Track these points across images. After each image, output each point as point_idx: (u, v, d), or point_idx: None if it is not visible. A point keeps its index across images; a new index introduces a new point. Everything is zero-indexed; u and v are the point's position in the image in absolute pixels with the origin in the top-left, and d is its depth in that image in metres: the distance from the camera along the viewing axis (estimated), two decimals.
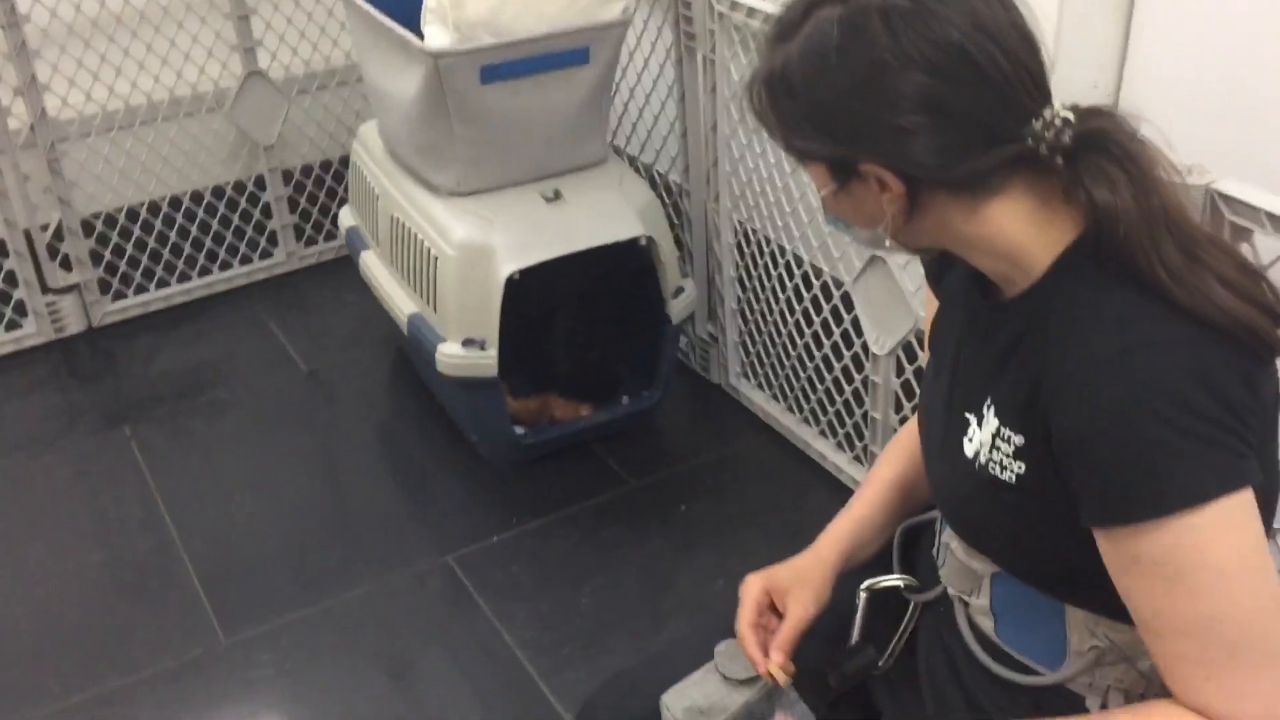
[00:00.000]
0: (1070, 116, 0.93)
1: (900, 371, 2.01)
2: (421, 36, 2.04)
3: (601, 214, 2.14)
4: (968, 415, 1.05)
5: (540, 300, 2.20)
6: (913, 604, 1.24)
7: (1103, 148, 0.93)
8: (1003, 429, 1.00)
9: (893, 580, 1.25)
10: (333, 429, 2.49)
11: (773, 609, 1.21)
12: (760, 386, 2.44)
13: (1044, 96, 0.94)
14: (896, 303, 1.93)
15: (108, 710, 1.87)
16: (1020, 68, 0.92)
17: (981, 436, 1.02)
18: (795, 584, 1.20)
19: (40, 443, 2.46)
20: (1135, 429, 0.89)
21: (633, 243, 2.14)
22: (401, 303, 2.27)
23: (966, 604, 1.14)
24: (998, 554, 1.08)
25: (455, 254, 2.07)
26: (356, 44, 2.30)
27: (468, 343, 2.10)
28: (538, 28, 2.02)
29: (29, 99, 2.57)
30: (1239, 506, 0.92)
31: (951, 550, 1.15)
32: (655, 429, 2.43)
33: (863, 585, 1.24)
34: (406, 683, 1.90)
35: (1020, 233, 0.96)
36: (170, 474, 2.36)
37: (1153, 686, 1.05)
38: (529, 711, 1.84)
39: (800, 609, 1.19)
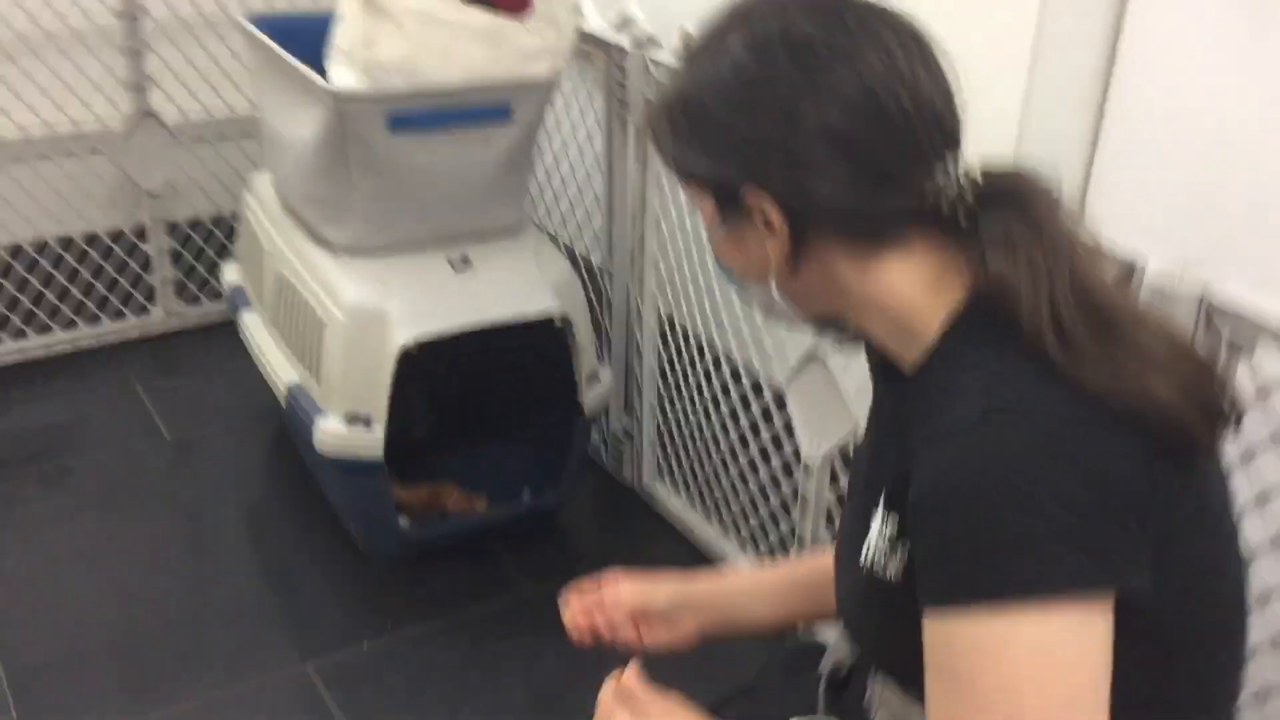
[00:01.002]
0: (978, 177, 0.88)
1: (834, 481, 1.81)
2: (325, 77, 1.83)
3: (513, 286, 1.93)
4: (870, 519, 0.93)
5: (438, 377, 1.97)
6: None
7: (1008, 207, 0.86)
8: (886, 516, 0.89)
9: None
10: (193, 508, 2.21)
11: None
12: (677, 490, 2.22)
13: (951, 151, 0.88)
14: (834, 405, 1.73)
15: None
16: (930, 117, 0.86)
17: (872, 535, 0.91)
18: (643, 579, 1.21)
19: None
20: (968, 498, 0.79)
21: (546, 320, 1.93)
22: (281, 370, 2.02)
23: None
24: (903, 677, 0.95)
25: (345, 318, 1.84)
26: (254, 82, 2.08)
27: (352, 419, 1.85)
28: (457, 77, 1.82)
29: None
30: (1080, 623, 0.78)
31: (885, 697, 1.00)
32: (559, 530, 2.19)
33: None
34: None
35: (911, 293, 0.89)
36: None
37: None
38: None
39: (632, 592, 1.21)
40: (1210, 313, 1.18)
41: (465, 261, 1.93)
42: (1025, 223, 0.85)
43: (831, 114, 0.85)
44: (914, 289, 0.89)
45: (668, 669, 1.22)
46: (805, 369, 1.77)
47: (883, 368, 0.98)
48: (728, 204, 0.91)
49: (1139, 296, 1.19)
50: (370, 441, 1.85)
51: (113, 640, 1.87)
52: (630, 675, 1.05)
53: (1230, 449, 1.18)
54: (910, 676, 0.89)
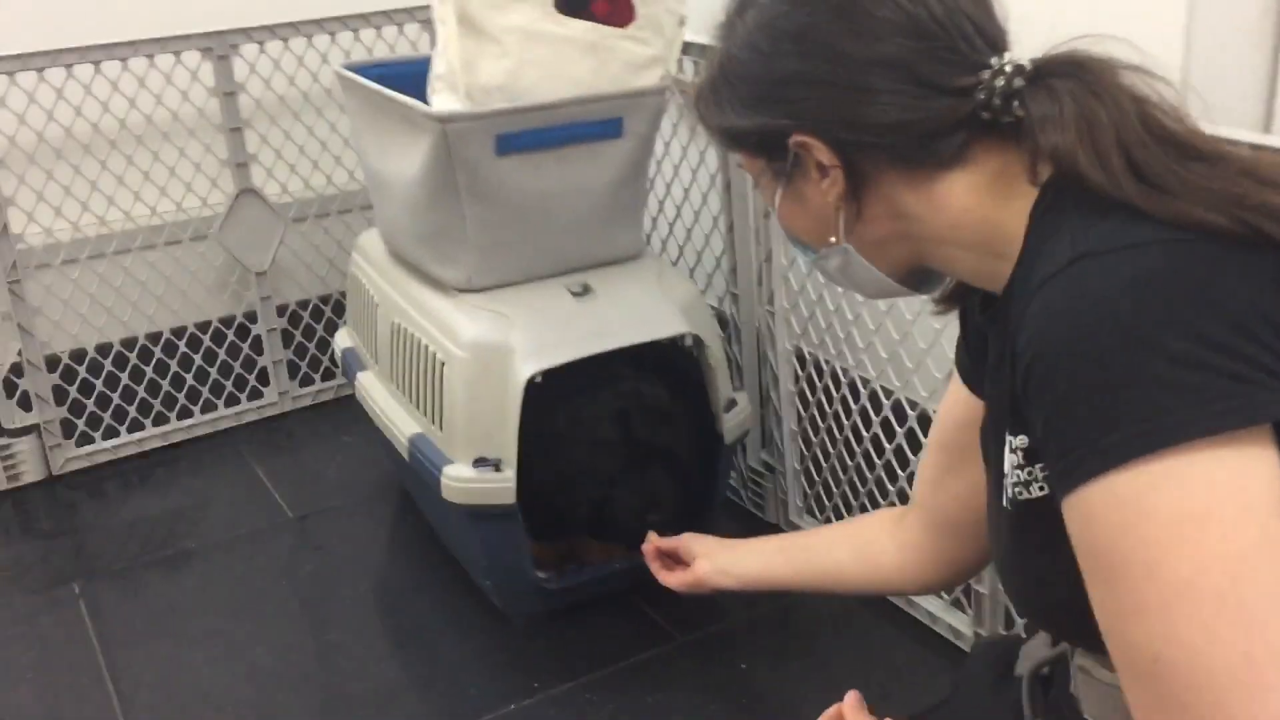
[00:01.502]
0: (1025, 64, 0.83)
1: None
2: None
3: (639, 311, 1.81)
4: (1002, 462, 0.86)
5: (565, 419, 1.85)
6: None
7: (1058, 78, 0.81)
8: (1013, 440, 0.82)
9: None
10: (319, 583, 2.10)
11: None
12: (829, 523, 2.05)
13: (997, 54, 0.84)
14: None
15: None
16: (967, 23, 0.83)
17: (1007, 470, 0.84)
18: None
19: None
20: (1068, 348, 0.70)
21: (676, 343, 1.80)
22: (402, 424, 1.92)
23: None
24: (1082, 633, 0.80)
25: (465, 356, 1.73)
26: (354, 130, 2.03)
27: (479, 463, 1.74)
28: (563, 93, 1.73)
29: None
30: (1231, 470, 0.66)
31: (1090, 673, 0.89)
32: None
33: None
34: None
35: (981, 206, 0.84)
36: (121, 637, 1.96)
37: None
38: None
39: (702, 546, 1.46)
40: None
41: (586, 289, 1.82)
42: (1077, 88, 0.80)
43: (868, 39, 0.83)
44: (984, 200, 0.84)
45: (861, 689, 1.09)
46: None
47: (984, 306, 0.91)
48: (779, 160, 0.89)
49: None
50: (501, 484, 1.73)
51: (249, 717, 1.75)
52: (849, 705, 1.06)
53: None
54: (1085, 623, 0.75)
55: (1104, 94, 0.79)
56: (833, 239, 0.91)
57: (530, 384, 1.71)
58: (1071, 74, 0.81)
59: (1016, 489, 0.82)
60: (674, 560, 1.52)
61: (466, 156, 1.70)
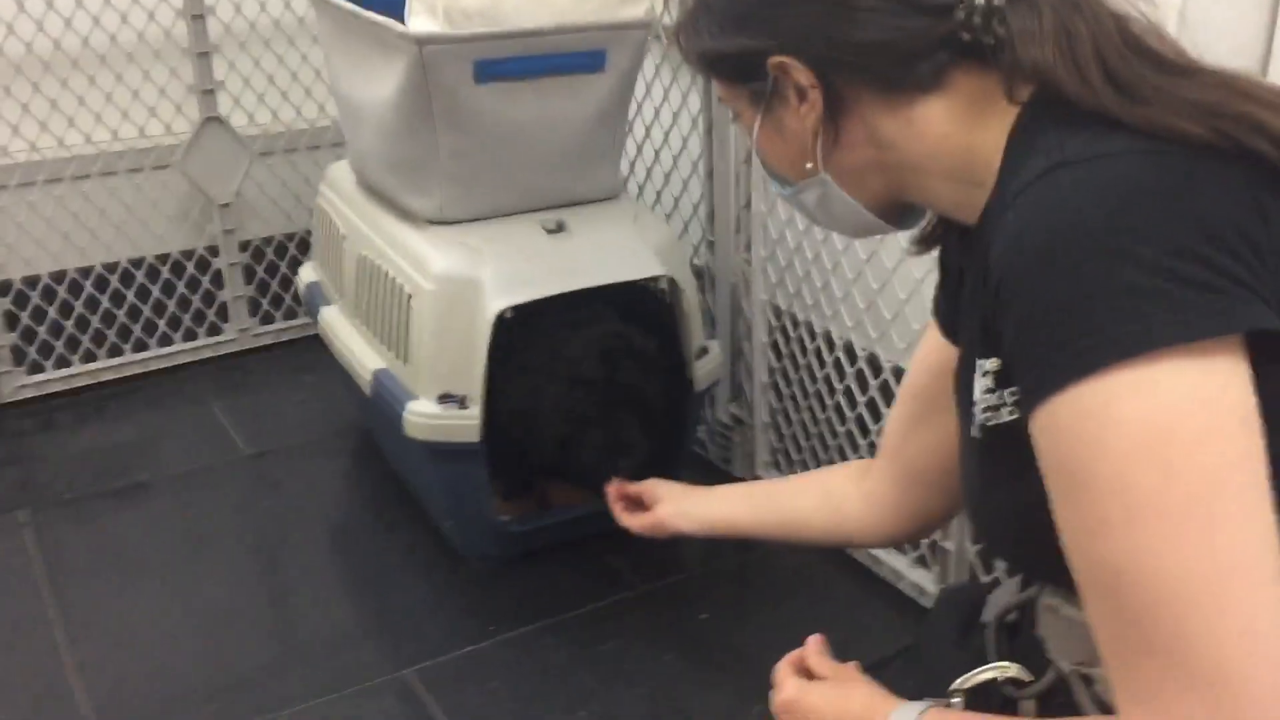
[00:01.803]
0: None
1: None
2: None
3: (614, 250, 1.77)
4: (970, 390, 0.84)
5: (535, 356, 1.81)
6: (1022, 706, 0.91)
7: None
8: (984, 364, 0.80)
9: (984, 674, 0.93)
10: (275, 520, 2.05)
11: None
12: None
13: None
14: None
15: None
16: None
17: (976, 396, 0.82)
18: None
19: None
20: (1047, 258, 0.68)
21: (649, 286, 1.76)
22: (366, 358, 1.87)
23: (1090, 679, 0.85)
24: (1048, 567, 0.79)
25: (434, 288, 1.69)
26: (326, 53, 1.96)
27: (445, 399, 1.69)
28: (545, 21, 1.68)
29: None
30: (1203, 378, 0.65)
31: (1054, 610, 0.88)
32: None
33: (950, 688, 0.93)
34: None
35: (960, 132, 0.82)
36: (69, 569, 1.90)
37: None
38: None
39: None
40: None
41: (560, 227, 1.78)
42: (1058, 2, 0.77)
43: None
44: (962, 126, 0.82)
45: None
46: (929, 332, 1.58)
47: (962, 241, 0.89)
48: (758, 85, 0.88)
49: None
50: (466, 421, 1.69)
51: (199, 659, 1.70)
52: (811, 650, 1.04)
53: None
54: (1054, 557, 0.74)
55: (1084, 7, 0.77)
56: (809, 165, 0.89)
57: (500, 320, 1.66)
58: None
59: (986, 414, 0.80)
60: (637, 505, 1.50)
61: (443, 81, 1.65)
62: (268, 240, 2.67)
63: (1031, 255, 0.69)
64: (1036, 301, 0.69)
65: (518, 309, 1.66)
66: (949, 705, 0.91)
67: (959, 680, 0.93)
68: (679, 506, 1.40)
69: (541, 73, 1.70)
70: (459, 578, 1.87)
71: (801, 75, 0.85)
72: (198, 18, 2.38)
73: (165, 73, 2.44)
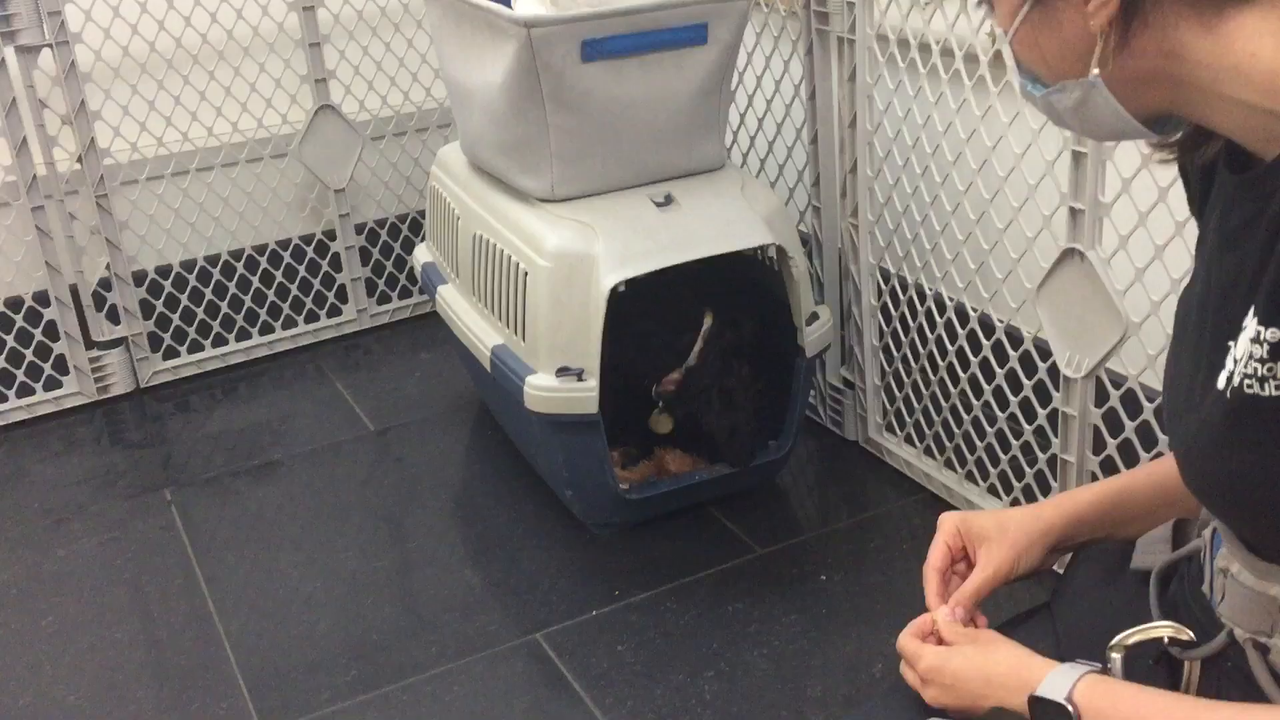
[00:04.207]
0: None
1: (1102, 399, 1.60)
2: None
3: (722, 221, 1.80)
4: (1228, 343, 0.76)
5: (647, 331, 1.84)
6: (1186, 666, 0.88)
7: None
8: (1262, 331, 0.72)
9: (1154, 631, 0.89)
10: (401, 493, 2.13)
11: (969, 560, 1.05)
12: (908, 440, 2.04)
13: None
14: (1099, 309, 1.54)
15: None
16: None
17: (1236, 354, 0.75)
18: (994, 532, 1.04)
19: (68, 508, 2.13)
20: None
21: (760, 254, 1.78)
22: (484, 335, 1.93)
23: (1265, 648, 0.82)
24: (1268, 531, 0.79)
25: (549, 265, 1.73)
26: (436, 38, 2.02)
27: (562, 372, 1.74)
28: None
29: (78, 129, 2.32)
30: None
31: (1232, 575, 0.84)
32: (780, 490, 2.04)
33: (1111, 644, 0.89)
34: None
35: (1276, 53, 0.71)
36: (212, 542, 2.01)
37: None
38: None
39: (991, 563, 1.02)
40: None
41: (669, 200, 1.81)
42: None
43: None
44: (1277, 46, 0.71)
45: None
46: (1060, 271, 1.58)
47: (1231, 157, 0.80)
48: None
49: None
50: (584, 394, 1.74)
51: (338, 624, 1.79)
52: (942, 620, 0.99)
53: None
54: (1272, 536, 0.72)
55: None
56: (1088, 72, 0.79)
57: (613, 293, 1.70)
58: None
59: (1248, 380, 0.74)
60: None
61: (551, 62, 1.69)
62: (381, 222, 2.75)
63: None
64: None
65: (630, 282, 1.70)
66: (1105, 665, 0.88)
67: (1121, 635, 0.89)
68: (1058, 550, 1.08)
69: (646, 49, 1.73)
70: (581, 544, 1.93)
71: None
72: (309, 9, 2.46)
73: (279, 64, 2.53)
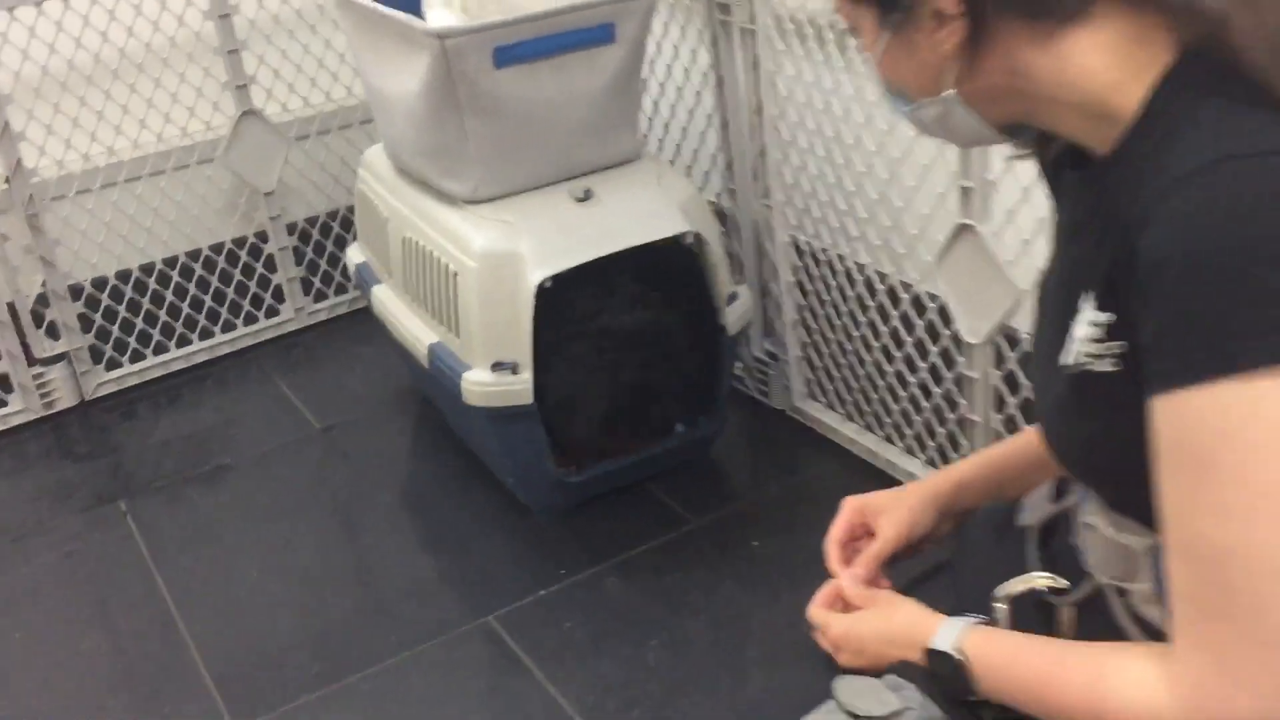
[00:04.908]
0: None
1: (1000, 361, 1.72)
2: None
3: (640, 212, 1.88)
4: (1071, 324, 0.86)
5: (574, 323, 1.93)
6: (1062, 612, 0.98)
7: None
8: (1096, 313, 0.82)
9: (1032, 581, 0.99)
10: (351, 489, 2.21)
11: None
12: (830, 406, 2.15)
13: None
14: (991, 279, 1.65)
15: None
16: None
17: (1077, 334, 0.84)
18: (890, 503, 1.15)
19: (25, 524, 2.18)
20: (1212, 256, 0.71)
21: (677, 241, 1.87)
22: (420, 333, 2.00)
23: (1125, 593, 0.93)
24: (1114, 491, 0.89)
25: (477, 265, 1.81)
26: (353, 47, 2.07)
27: (497, 366, 1.83)
28: (554, 2, 1.78)
29: (3, 150, 2.34)
30: None
31: (1096, 529, 0.94)
32: (713, 462, 2.14)
33: (996, 593, 1.00)
34: None
35: (1106, 69, 0.80)
36: (171, 549, 2.07)
37: None
38: None
39: (891, 529, 1.13)
40: None
41: (588, 194, 1.89)
42: None
43: None
44: (1109, 63, 0.80)
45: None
46: (954, 245, 1.69)
47: (1071, 155, 0.90)
48: (890, 4, 0.85)
49: None
50: (519, 387, 1.82)
51: (298, 621, 1.87)
52: (845, 581, 1.09)
53: None
54: (1122, 486, 0.83)
55: None
56: (937, 86, 0.87)
57: (540, 289, 1.78)
58: None
59: (1084, 358, 0.83)
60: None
61: (465, 70, 1.75)
62: (312, 220, 2.80)
63: (1196, 255, 0.71)
64: (1194, 299, 0.71)
65: (556, 278, 1.78)
66: (991, 616, 0.98)
67: (1002, 586, 0.99)
68: (947, 514, 1.17)
69: (556, 51, 1.80)
70: (527, 528, 2.02)
71: (946, 2, 0.82)
72: (224, 17, 2.49)
73: (199, 72, 2.56)
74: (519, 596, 1.86)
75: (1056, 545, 1.04)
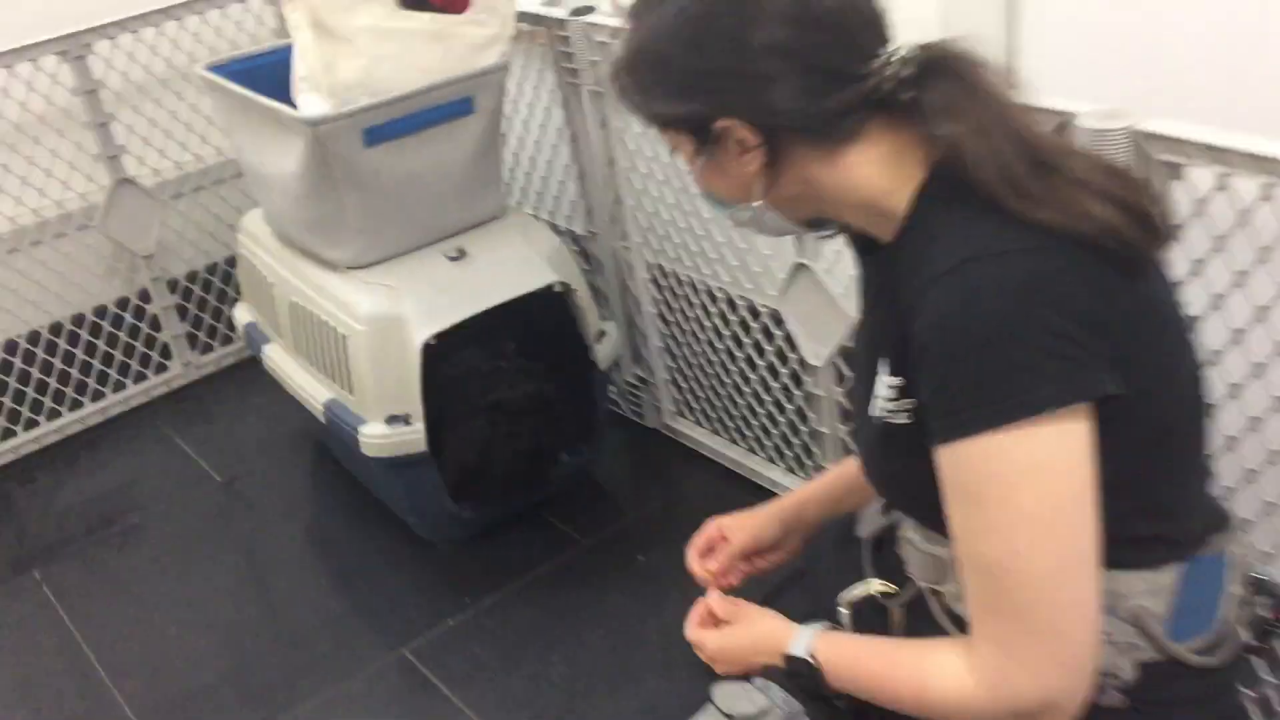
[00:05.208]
0: (908, 54, 0.99)
1: (841, 379, 1.94)
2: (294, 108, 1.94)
3: (510, 266, 2.06)
4: (875, 379, 1.05)
5: (453, 378, 2.08)
6: (892, 612, 1.19)
7: (944, 76, 0.97)
8: (889, 376, 1.01)
9: (867, 587, 1.21)
10: (258, 537, 2.34)
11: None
12: (698, 423, 2.36)
13: (880, 37, 1.00)
14: (826, 309, 1.87)
15: None
16: (857, 14, 0.99)
17: (879, 391, 1.03)
18: (742, 520, 1.37)
19: None
20: (962, 339, 0.91)
21: (547, 291, 2.05)
22: (314, 391, 2.14)
23: (939, 594, 1.11)
24: (921, 513, 1.09)
25: (365, 329, 1.96)
26: (227, 128, 2.19)
27: (391, 419, 1.99)
28: (416, 82, 1.93)
29: None
30: (1065, 435, 0.91)
31: (913, 542, 1.13)
32: (597, 483, 2.33)
33: (838, 599, 1.21)
34: None
35: (878, 178, 1.01)
36: (90, 613, 2.18)
37: None
38: None
39: (742, 534, 1.35)
40: (1141, 141, 1.30)
41: (461, 253, 2.05)
42: (962, 89, 0.97)
43: (772, 30, 0.96)
44: (879, 173, 1.01)
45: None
46: (794, 281, 1.90)
47: (862, 245, 1.12)
48: (703, 137, 1.03)
49: (1074, 140, 1.31)
50: (413, 437, 1.99)
51: (221, 668, 2.01)
52: (713, 599, 1.23)
53: (1181, 261, 1.32)
54: (926, 510, 1.02)
55: (982, 104, 0.96)
56: (751, 203, 1.06)
57: (426, 346, 1.95)
58: (954, 78, 0.97)
59: (885, 412, 1.02)
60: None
61: (338, 152, 1.90)
62: (192, 276, 2.89)
63: (951, 336, 0.92)
64: (952, 371, 0.92)
65: (439, 335, 1.95)
66: (836, 620, 1.19)
67: (844, 593, 1.20)
68: (791, 526, 1.38)
69: (421, 128, 1.96)
70: (429, 562, 2.18)
71: (745, 135, 1.00)
72: (90, 92, 2.57)
73: (71, 146, 2.64)
74: (430, 627, 2.03)
75: (887, 554, 1.25)
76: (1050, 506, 0.92)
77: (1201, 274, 1.35)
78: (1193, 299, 1.34)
